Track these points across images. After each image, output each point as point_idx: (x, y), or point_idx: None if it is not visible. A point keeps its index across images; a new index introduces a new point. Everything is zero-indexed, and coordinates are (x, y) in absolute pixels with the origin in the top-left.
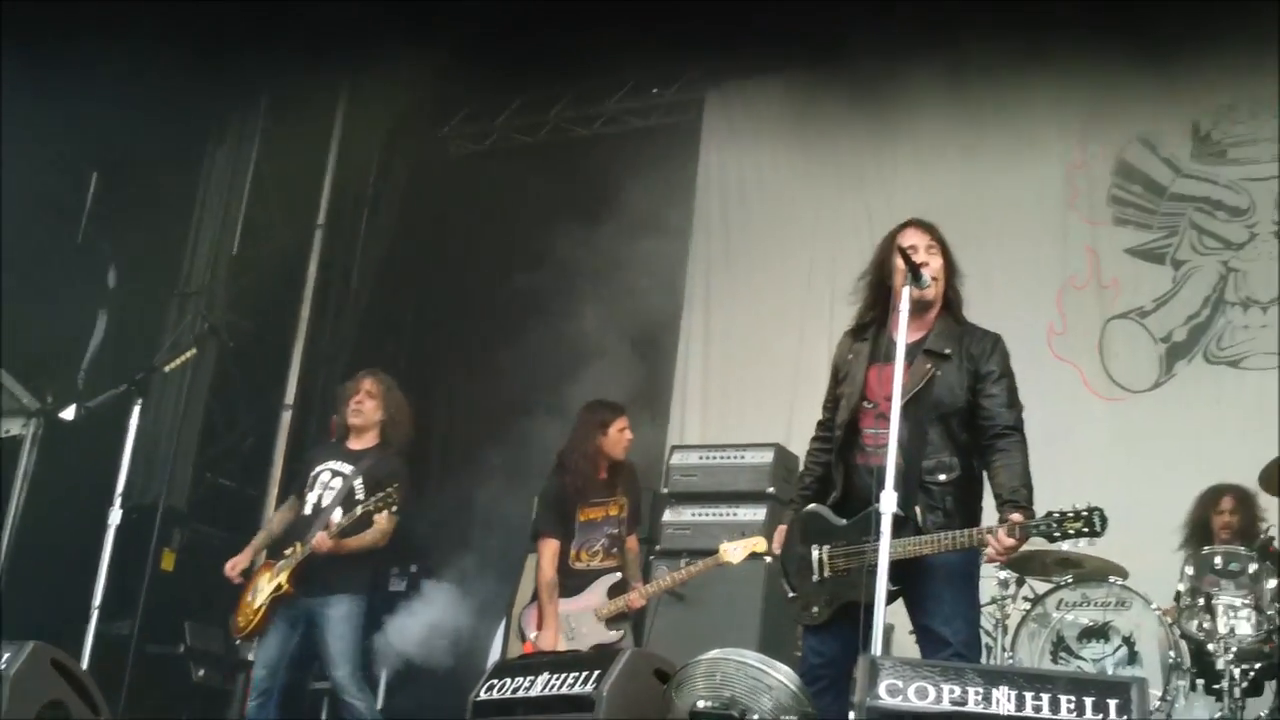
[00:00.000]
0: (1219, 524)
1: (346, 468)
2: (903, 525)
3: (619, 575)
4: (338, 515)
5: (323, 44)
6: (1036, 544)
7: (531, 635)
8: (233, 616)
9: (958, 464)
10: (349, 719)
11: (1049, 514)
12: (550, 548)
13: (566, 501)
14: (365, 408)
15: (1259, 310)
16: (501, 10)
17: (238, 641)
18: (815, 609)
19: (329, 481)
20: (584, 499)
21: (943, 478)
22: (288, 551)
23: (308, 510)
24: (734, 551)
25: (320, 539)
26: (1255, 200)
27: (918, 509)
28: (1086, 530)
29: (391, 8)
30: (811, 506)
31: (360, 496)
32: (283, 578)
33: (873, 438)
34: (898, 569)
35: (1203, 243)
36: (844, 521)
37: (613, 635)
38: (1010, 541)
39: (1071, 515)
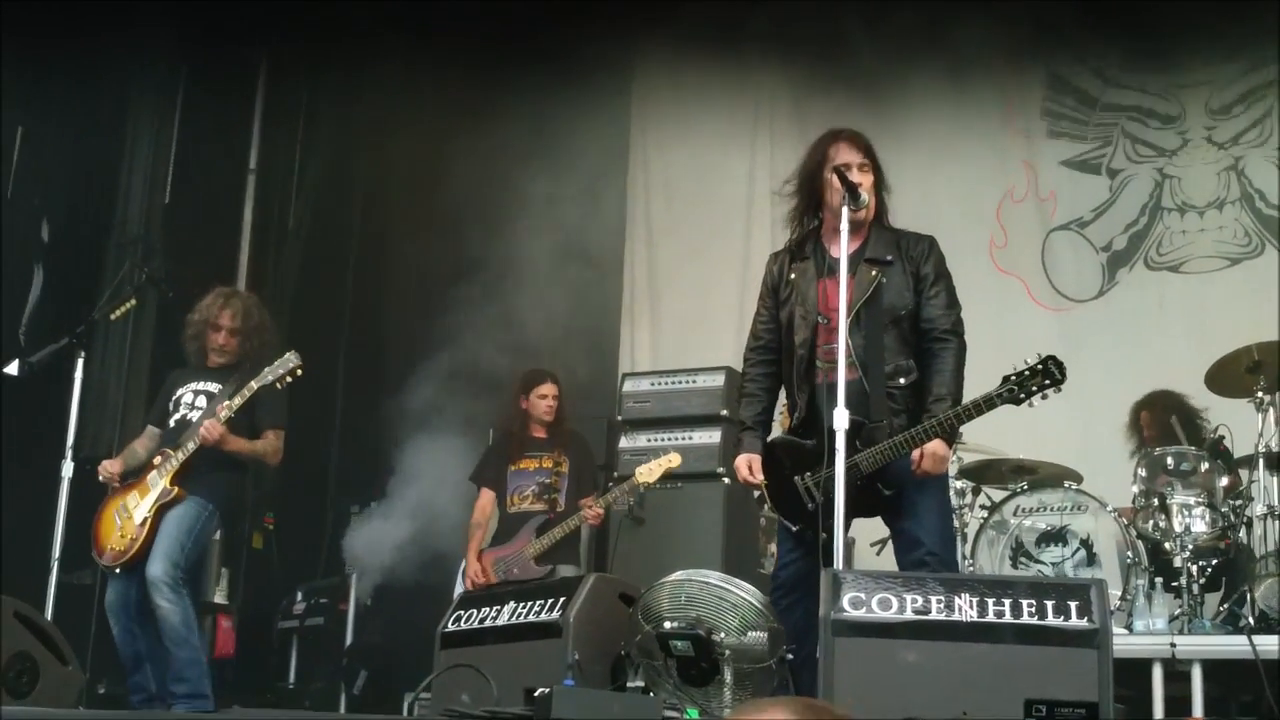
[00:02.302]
0: (1145, 436)
1: (214, 386)
2: (875, 434)
3: (548, 517)
4: (223, 414)
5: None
6: (992, 450)
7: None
8: (98, 546)
9: (914, 366)
10: (158, 621)
11: (1006, 378)
12: (483, 496)
13: (499, 457)
14: (230, 347)
15: (1195, 215)
16: None
17: (116, 570)
18: (824, 535)
19: (193, 402)
20: (518, 453)
21: (903, 381)
22: (157, 461)
23: (171, 426)
24: (649, 472)
25: (210, 425)
26: (1185, 107)
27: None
28: (1049, 382)
29: None
30: (780, 436)
31: (237, 403)
32: (165, 481)
33: (830, 353)
34: (883, 474)
35: (1136, 151)
36: (812, 443)
37: (541, 571)
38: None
39: (1029, 372)
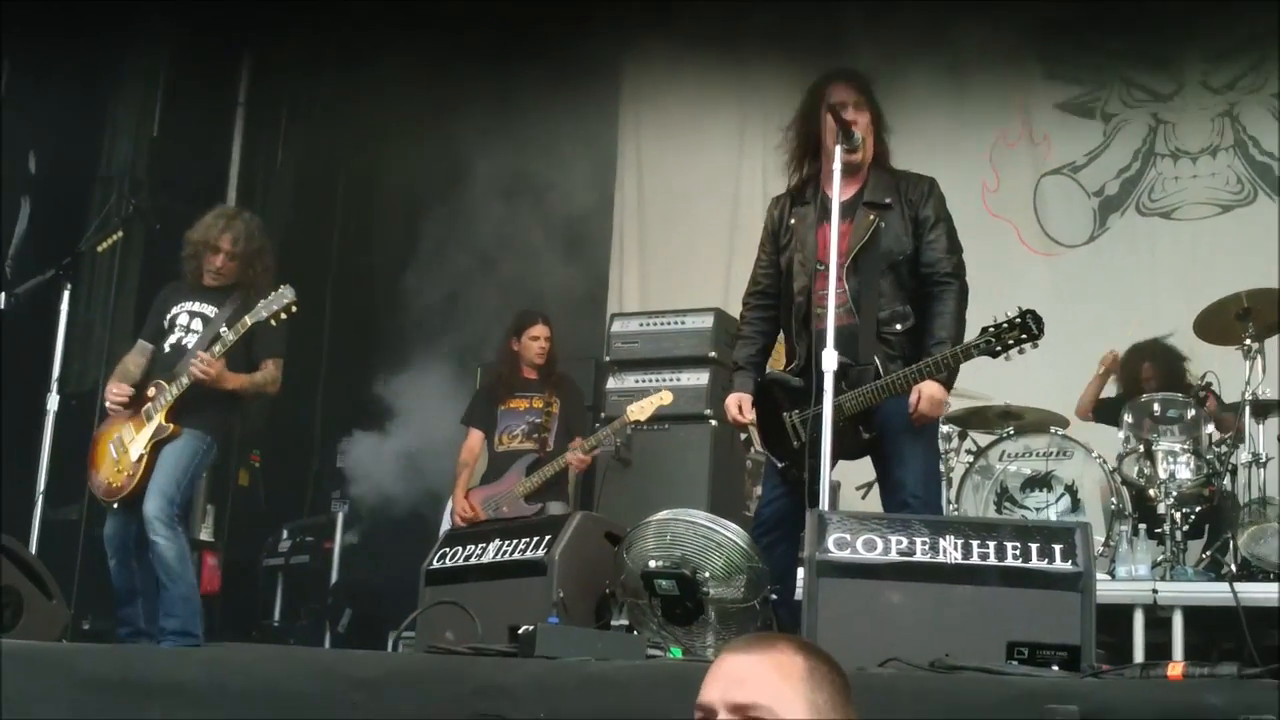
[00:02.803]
0: (1143, 380)
1: (209, 308)
2: (862, 376)
3: (537, 456)
4: (218, 349)
5: None
6: (979, 396)
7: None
8: (95, 479)
9: (911, 312)
10: (152, 556)
11: (984, 330)
12: (471, 436)
13: (488, 398)
14: (227, 270)
15: (1189, 161)
16: None
17: (114, 505)
18: (806, 473)
19: (189, 324)
20: (508, 394)
21: (899, 327)
22: (151, 393)
23: (166, 349)
24: (640, 410)
25: (207, 363)
26: (1182, 51)
27: (878, 360)
28: (1025, 336)
29: None
30: (771, 373)
31: (230, 339)
32: (160, 417)
33: (826, 299)
34: (867, 417)
35: (1132, 95)
36: (799, 382)
37: (530, 509)
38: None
39: (1006, 325)
